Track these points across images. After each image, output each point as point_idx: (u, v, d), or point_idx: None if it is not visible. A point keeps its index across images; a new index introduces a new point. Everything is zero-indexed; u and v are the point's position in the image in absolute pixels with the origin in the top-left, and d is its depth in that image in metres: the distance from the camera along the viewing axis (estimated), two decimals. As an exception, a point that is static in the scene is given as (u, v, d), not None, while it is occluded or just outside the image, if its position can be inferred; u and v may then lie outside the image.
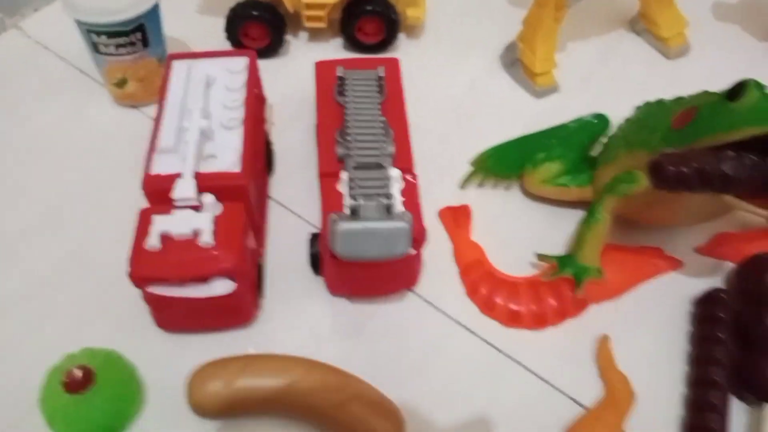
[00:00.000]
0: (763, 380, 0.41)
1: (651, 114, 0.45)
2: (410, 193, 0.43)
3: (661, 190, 0.39)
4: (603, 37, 0.64)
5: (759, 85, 0.37)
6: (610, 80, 0.60)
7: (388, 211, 0.39)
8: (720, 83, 0.48)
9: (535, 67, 0.58)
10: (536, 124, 0.54)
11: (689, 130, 0.39)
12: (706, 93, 0.41)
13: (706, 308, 0.45)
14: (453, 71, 0.61)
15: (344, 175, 0.42)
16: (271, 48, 0.61)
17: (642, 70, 0.61)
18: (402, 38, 0.63)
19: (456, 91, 0.60)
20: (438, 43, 0.64)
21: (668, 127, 0.41)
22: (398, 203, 0.41)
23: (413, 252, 0.42)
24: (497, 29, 0.63)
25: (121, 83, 0.55)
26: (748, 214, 0.42)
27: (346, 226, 0.38)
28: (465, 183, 0.53)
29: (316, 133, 0.50)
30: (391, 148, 0.46)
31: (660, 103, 0.45)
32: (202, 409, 0.40)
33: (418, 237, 0.42)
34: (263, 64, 0.58)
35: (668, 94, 0.47)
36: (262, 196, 0.51)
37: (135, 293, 0.42)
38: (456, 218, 0.50)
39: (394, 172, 0.43)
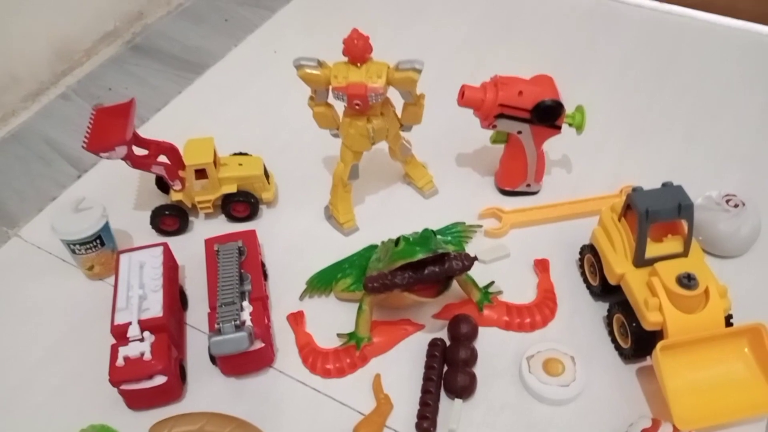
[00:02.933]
0: (451, 385, 0.78)
1: (381, 249, 0.83)
2: (258, 313, 0.80)
3: (371, 294, 0.77)
4: (386, 190, 1.03)
5: (407, 238, 0.76)
6: (389, 217, 0.98)
7: (237, 327, 0.76)
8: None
9: (340, 219, 0.96)
10: (347, 252, 0.92)
11: (386, 261, 0.78)
12: (391, 242, 0.79)
13: (430, 348, 0.82)
14: (294, 224, 0.99)
15: (217, 312, 0.79)
16: (181, 229, 0.98)
17: (409, 208, 1.00)
18: (263, 208, 1.01)
19: (297, 238, 0.97)
20: (285, 208, 1.02)
21: (379, 258, 0.80)
22: (248, 321, 0.77)
23: (262, 344, 0.79)
24: (322, 192, 1.00)
25: (90, 267, 0.91)
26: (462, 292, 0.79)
27: (212, 338, 0.74)
28: (302, 296, 0.90)
29: (206, 280, 0.86)
30: (248, 287, 0.82)
31: (383, 243, 0.83)
32: (156, 448, 0.75)
33: (263, 337, 0.79)
34: (178, 239, 0.96)
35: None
36: (181, 323, 0.87)
37: (114, 391, 0.77)
38: (296, 319, 0.87)
39: (245, 304, 0.79)
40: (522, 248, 0.94)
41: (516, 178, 0.99)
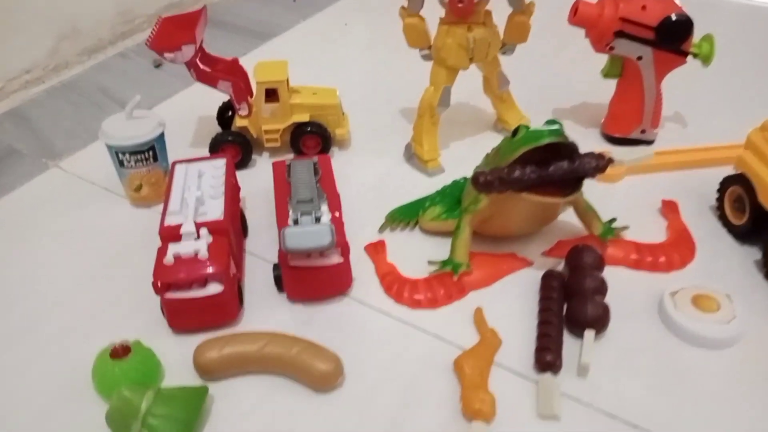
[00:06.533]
0: (580, 315, 0.61)
1: (488, 155, 0.69)
2: (337, 223, 0.66)
3: (481, 192, 0.63)
4: (474, 136, 0.91)
5: (526, 127, 0.62)
6: (478, 162, 0.85)
7: (317, 221, 0.62)
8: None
9: (424, 156, 0.83)
10: (430, 194, 0.79)
11: (497, 159, 0.64)
12: (505, 138, 0.66)
13: (546, 280, 0.66)
14: (370, 167, 0.86)
15: (290, 210, 0.65)
16: (243, 162, 0.85)
17: (503, 154, 0.87)
18: (335, 150, 0.89)
19: (373, 180, 0.84)
20: (359, 150, 0.90)
21: (489, 159, 0.66)
22: (326, 219, 0.63)
23: (341, 260, 0.64)
24: (398, 138, 0.89)
25: (138, 188, 0.78)
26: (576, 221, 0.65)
27: (289, 229, 0.60)
28: (381, 228, 0.76)
29: (275, 204, 0.73)
30: (324, 206, 0.68)
31: (487, 155, 0.70)
32: (204, 369, 0.59)
33: (342, 248, 0.64)
34: (238, 175, 0.83)
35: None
36: (240, 246, 0.72)
37: (153, 308, 0.63)
38: (376, 248, 0.73)
39: (324, 209, 0.66)
40: (641, 196, 0.80)
41: (630, 121, 0.86)
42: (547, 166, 0.61)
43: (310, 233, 0.60)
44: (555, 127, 0.62)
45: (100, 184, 0.85)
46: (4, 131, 0.98)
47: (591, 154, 0.62)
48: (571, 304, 0.63)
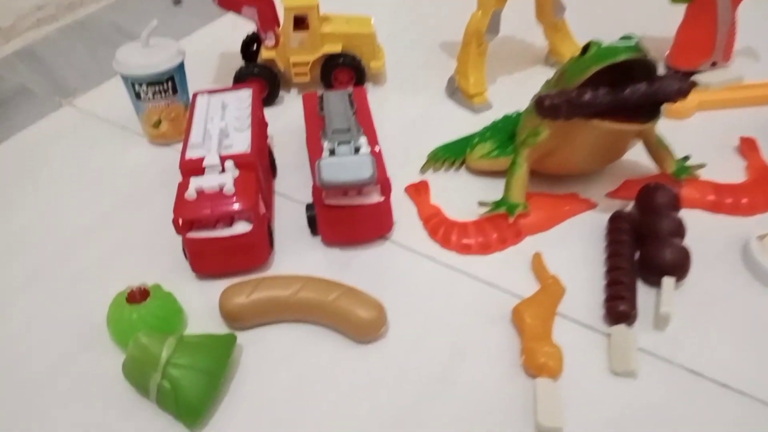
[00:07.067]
0: (655, 261, 0.54)
1: (552, 78, 0.61)
2: (377, 158, 0.58)
3: (545, 118, 0.55)
4: (523, 72, 0.82)
5: (598, 43, 0.54)
6: (529, 98, 0.77)
7: (356, 151, 0.55)
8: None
9: (470, 90, 0.75)
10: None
11: (561, 82, 0.56)
12: (571, 58, 0.58)
13: (613, 222, 0.59)
14: (409, 104, 0.79)
15: (325, 142, 0.58)
16: (269, 98, 0.78)
17: (556, 90, 0.79)
18: (370, 85, 0.82)
19: (412, 116, 0.77)
20: (396, 86, 0.82)
21: (551, 84, 0.58)
22: (365, 149, 0.56)
23: (382, 199, 0.57)
24: (440, 73, 0.81)
25: (156, 124, 0.72)
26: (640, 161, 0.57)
27: (326, 159, 0.53)
28: (423, 169, 0.68)
29: (306, 139, 0.66)
30: (362, 138, 0.61)
31: (547, 81, 0.62)
32: (231, 316, 0.53)
33: (383, 185, 0.57)
34: (265, 111, 0.76)
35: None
36: (269, 186, 0.66)
37: (175, 251, 0.57)
38: (418, 190, 0.65)
39: (363, 141, 0.58)
40: (713, 133, 0.71)
41: (699, 52, 0.76)
42: (622, 89, 0.53)
43: (348, 164, 0.53)
44: (632, 42, 0.53)
45: (116, 122, 0.78)
46: (14, 70, 0.91)
47: (672, 76, 0.54)
48: (646, 249, 0.55)
